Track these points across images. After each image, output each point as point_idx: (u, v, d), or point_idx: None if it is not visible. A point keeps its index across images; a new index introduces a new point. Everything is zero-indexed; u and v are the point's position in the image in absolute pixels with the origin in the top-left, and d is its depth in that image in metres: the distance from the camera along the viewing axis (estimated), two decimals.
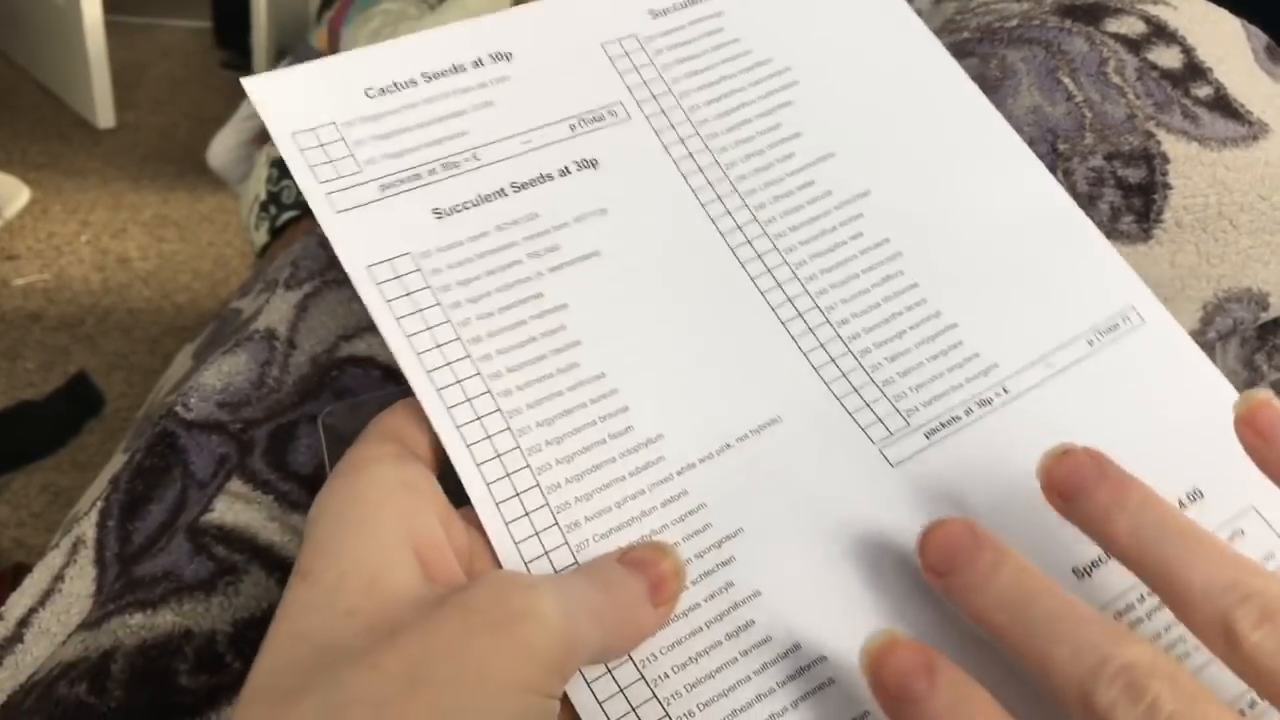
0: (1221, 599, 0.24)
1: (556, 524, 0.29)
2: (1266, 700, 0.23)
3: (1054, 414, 0.33)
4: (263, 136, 1.22)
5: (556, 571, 0.28)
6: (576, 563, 0.28)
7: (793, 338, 0.33)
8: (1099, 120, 0.40)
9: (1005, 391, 0.33)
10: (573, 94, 0.36)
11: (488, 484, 0.29)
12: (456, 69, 0.35)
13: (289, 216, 0.99)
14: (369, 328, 0.39)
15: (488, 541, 0.28)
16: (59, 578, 0.38)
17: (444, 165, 0.33)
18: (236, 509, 0.36)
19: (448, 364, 0.30)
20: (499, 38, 0.36)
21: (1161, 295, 0.35)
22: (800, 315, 0.34)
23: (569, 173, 0.34)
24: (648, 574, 0.27)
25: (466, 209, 0.33)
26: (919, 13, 0.44)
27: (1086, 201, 0.40)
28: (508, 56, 0.36)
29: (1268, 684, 0.23)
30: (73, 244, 1.91)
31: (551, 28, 0.37)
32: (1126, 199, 0.40)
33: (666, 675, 0.28)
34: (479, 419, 0.30)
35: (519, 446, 0.30)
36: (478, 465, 0.29)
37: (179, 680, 0.32)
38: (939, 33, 0.44)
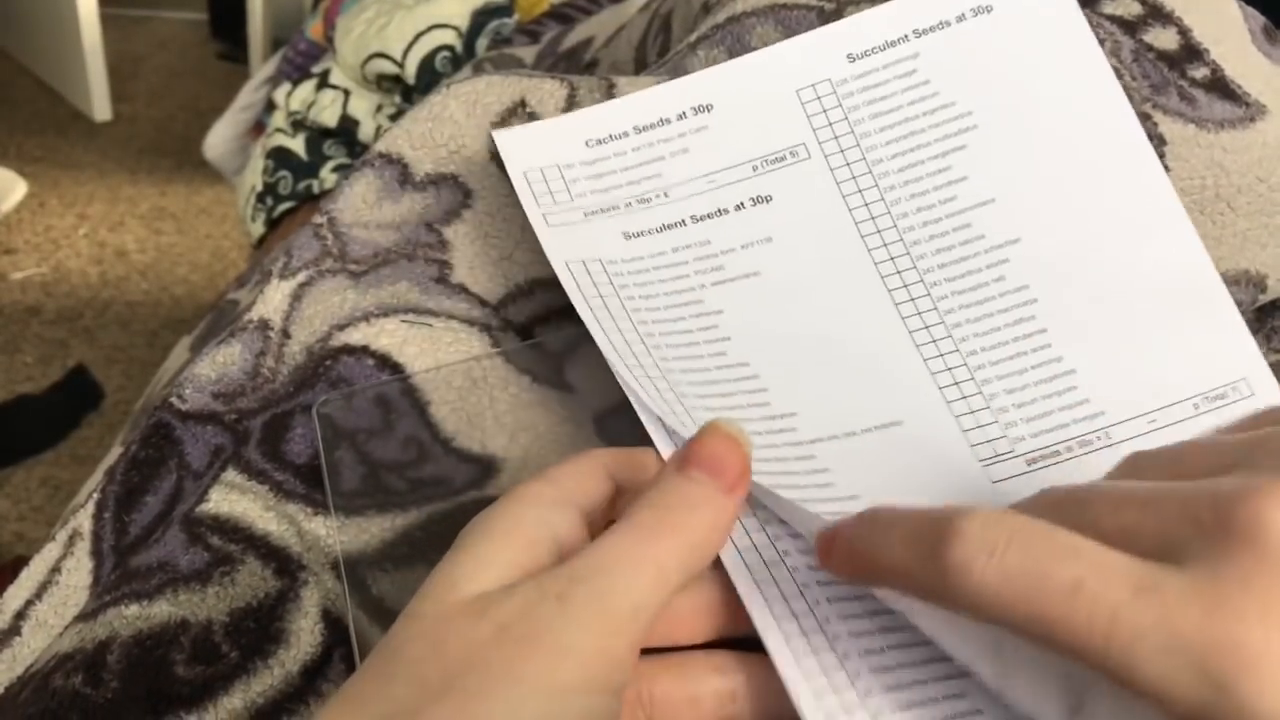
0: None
1: None
2: None
3: None
4: (259, 128, 1.21)
5: None
6: None
7: (923, 357, 0.36)
8: None
9: (1107, 437, 0.35)
10: (761, 138, 0.40)
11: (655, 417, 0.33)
12: (663, 122, 0.41)
13: (285, 207, 0.99)
14: (363, 317, 0.39)
15: None
16: (56, 570, 0.38)
17: (638, 200, 0.39)
18: (232, 499, 0.35)
19: (623, 338, 0.35)
20: (704, 92, 0.41)
21: None
22: (934, 341, 0.37)
23: (744, 208, 0.39)
24: (706, 465, 0.27)
25: (650, 234, 0.39)
26: None
27: None
28: (708, 108, 0.41)
29: None
30: (70, 237, 1.91)
31: (752, 79, 0.41)
32: None
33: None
34: (646, 374, 0.34)
35: (675, 394, 0.34)
36: (643, 402, 0.33)
37: (175, 670, 0.32)
38: None
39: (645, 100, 0.41)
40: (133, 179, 2.08)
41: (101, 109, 2.21)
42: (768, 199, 0.39)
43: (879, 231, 0.38)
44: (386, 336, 0.38)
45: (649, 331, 0.36)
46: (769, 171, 0.39)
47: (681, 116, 0.40)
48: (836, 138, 0.40)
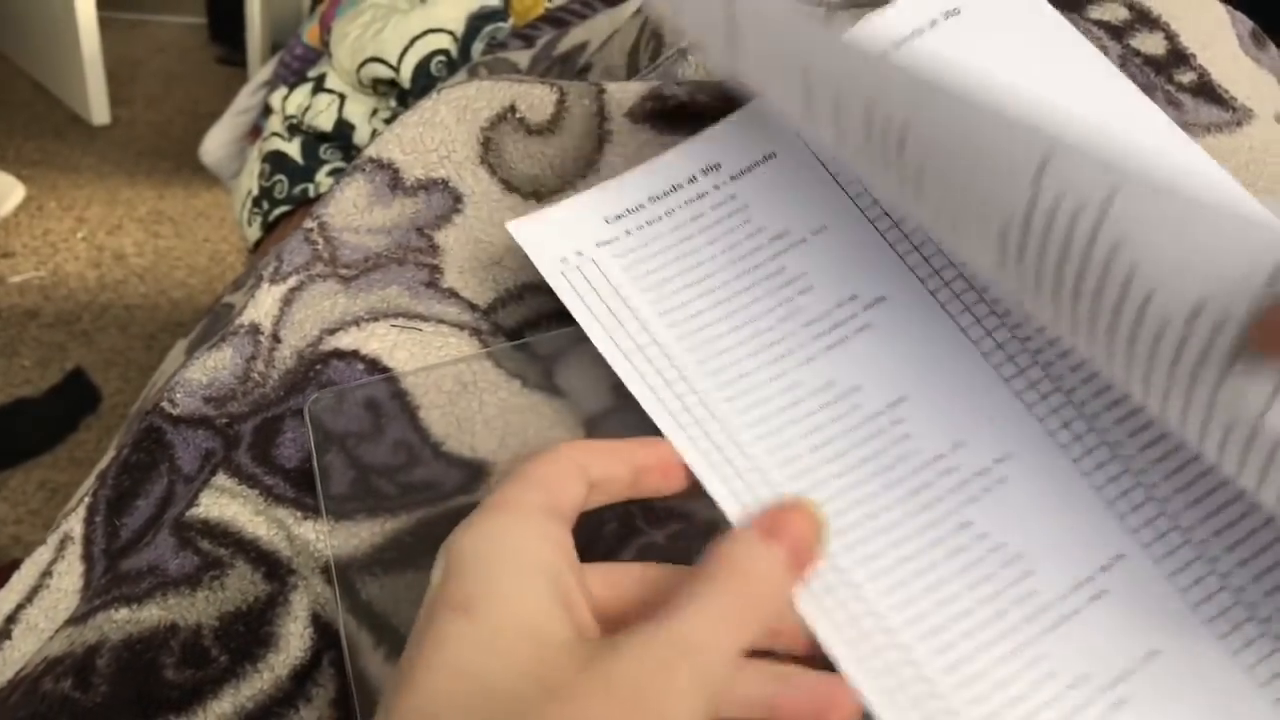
0: None
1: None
2: None
3: None
4: (256, 132, 1.21)
5: None
6: None
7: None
8: None
9: None
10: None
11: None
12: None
13: (281, 211, 0.99)
14: (353, 321, 0.39)
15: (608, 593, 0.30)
16: (47, 574, 0.38)
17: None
18: (222, 503, 0.36)
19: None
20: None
21: None
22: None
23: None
24: (787, 541, 0.28)
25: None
26: None
27: None
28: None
29: None
30: (68, 241, 1.91)
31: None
32: None
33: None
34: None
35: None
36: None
37: (165, 674, 0.32)
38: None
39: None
40: (131, 182, 2.08)
41: (100, 112, 2.21)
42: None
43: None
44: (377, 341, 0.38)
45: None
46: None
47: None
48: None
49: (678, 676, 0.25)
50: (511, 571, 0.26)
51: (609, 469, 0.31)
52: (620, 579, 0.30)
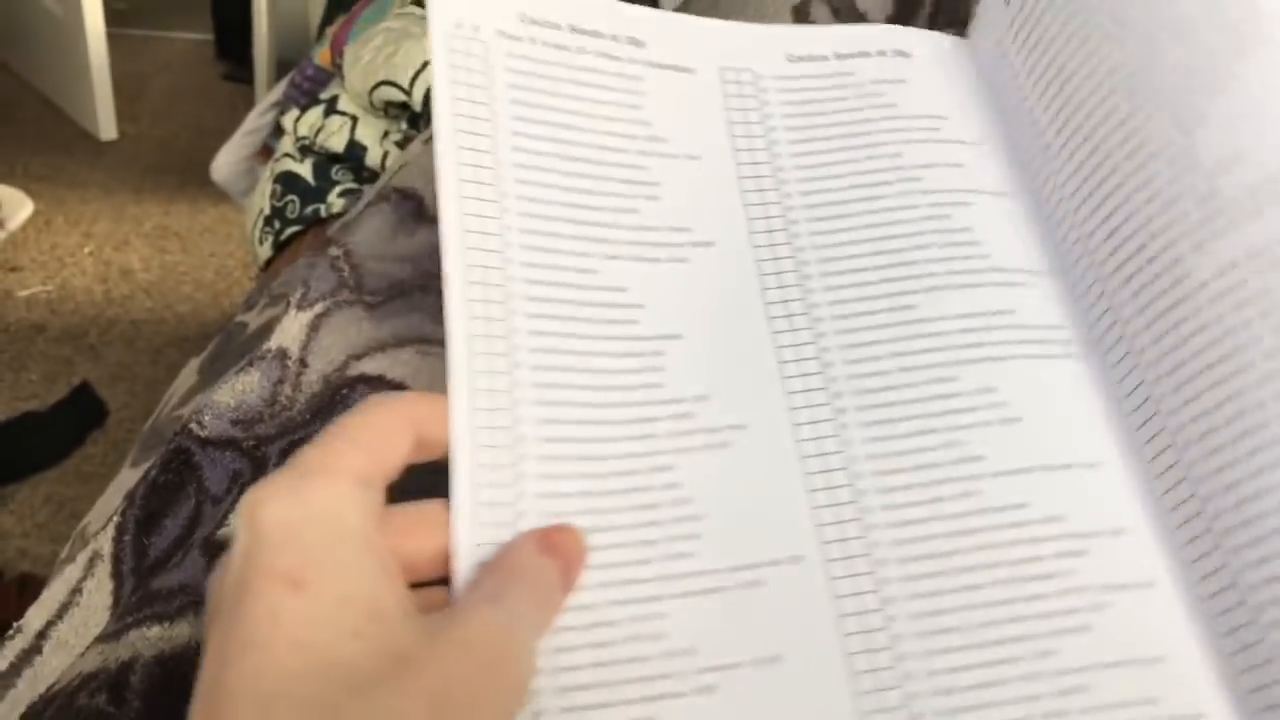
0: None
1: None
2: None
3: None
4: (265, 152, 1.23)
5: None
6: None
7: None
8: None
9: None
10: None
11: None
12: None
13: (292, 231, 1.01)
14: (378, 347, 0.40)
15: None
16: (76, 591, 0.39)
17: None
18: None
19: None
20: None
21: None
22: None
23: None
24: (560, 558, 0.29)
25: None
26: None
27: None
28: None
29: None
30: (75, 256, 1.92)
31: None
32: None
33: None
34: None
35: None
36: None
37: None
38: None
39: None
40: (137, 198, 2.09)
41: (107, 128, 2.23)
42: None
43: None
44: (401, 366, 0.40)
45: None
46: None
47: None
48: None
49: (521, 641, 0.27)
50: (340, 544, 0.25)
51: (443, 430, 0.30)
52: (413, 525, 0.29)
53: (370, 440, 0.27)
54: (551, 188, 0.35)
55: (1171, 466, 0.32)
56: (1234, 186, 0.30)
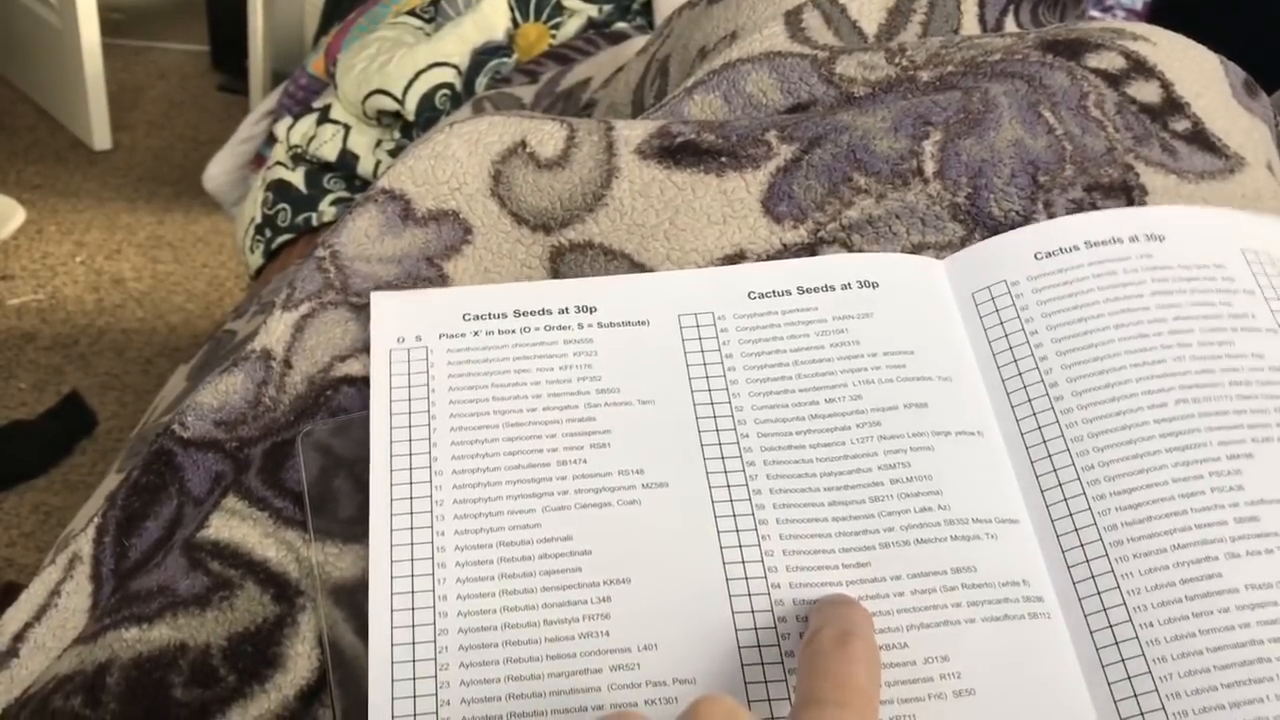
0: None
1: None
2: None
3: None
4: (258, 160, 1.23)
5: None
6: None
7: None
8: (1079, 153, 0.41)
9: None
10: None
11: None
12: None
13: (284, 239, 1.00)
14: (363, 348, 0.39)
15: None
16: (55, 593, 0.38)
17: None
18: (232, 525, 0.36)
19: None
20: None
21: None
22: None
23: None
24: None
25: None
26: (903, 47, 0.45)
27: None
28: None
29: None
30: (67, 264, 1.91)
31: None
32: None
33: None
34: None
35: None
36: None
37: (173, 693, 0.33)
38: (924, 65, 0.45)
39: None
40: (131, 208, 2.09)
41: (101, 138, 2.22)
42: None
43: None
44: None
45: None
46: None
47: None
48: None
49: None
50: None
51: None
52: None
53: None
54: (494, 455, 0.36)
55: None
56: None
